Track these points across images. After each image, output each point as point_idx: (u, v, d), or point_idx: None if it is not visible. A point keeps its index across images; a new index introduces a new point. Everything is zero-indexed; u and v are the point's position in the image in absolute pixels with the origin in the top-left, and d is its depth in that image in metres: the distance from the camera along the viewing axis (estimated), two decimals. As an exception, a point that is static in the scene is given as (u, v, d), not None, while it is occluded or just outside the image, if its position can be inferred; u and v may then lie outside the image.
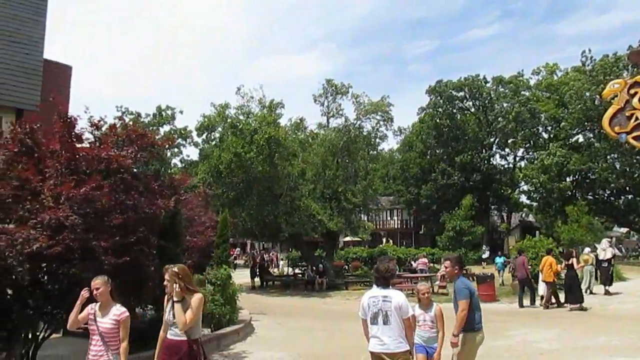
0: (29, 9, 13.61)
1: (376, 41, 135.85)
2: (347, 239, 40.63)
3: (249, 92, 27.22)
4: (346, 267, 31.36)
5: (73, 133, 8.26)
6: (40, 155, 8.11)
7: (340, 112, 29.47)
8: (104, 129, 8.95)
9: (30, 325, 7.75)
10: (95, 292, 5.17)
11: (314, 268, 26.16)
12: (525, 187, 46.90)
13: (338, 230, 28.01)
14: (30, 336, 7.86)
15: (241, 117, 27.15)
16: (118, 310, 5.13)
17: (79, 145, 8.33)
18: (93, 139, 8.73)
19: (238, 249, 50.48)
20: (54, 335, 9.22)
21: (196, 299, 5.25)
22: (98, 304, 5.21)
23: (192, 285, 5.37)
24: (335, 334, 12.83)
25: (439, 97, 48.25)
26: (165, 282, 5.32)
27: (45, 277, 7.41)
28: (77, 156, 8.00)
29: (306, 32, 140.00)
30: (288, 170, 25.29)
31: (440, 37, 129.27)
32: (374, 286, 5.63)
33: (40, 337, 8.04)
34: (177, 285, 5.23)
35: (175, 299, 5.21)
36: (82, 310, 5.25)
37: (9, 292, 7.48)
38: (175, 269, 5.34)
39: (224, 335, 11.52)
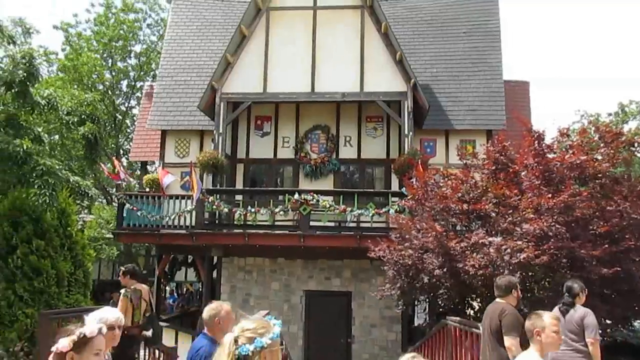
0: (486, 39, 15.10)
1: None
2: None
3: None
4: None
5: (543, 145, 8.41)
6: (515, 170, 8.58)
7: None
8: (572, 135, 8.79)
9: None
10: None
11: None
12: None
13: None
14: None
15: None
16: None
17: (550, 156, 8.41)
18: (563, 148, 8.67)
19: None
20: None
21: None
22: None
23: None
24: None
25: None
26: None
27: (534, 286, 7.68)
28: (550, 167, 8.09)
29: None
30: None
31: None
32: None
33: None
34: None
35: None
36: None
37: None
38: None
39: None
